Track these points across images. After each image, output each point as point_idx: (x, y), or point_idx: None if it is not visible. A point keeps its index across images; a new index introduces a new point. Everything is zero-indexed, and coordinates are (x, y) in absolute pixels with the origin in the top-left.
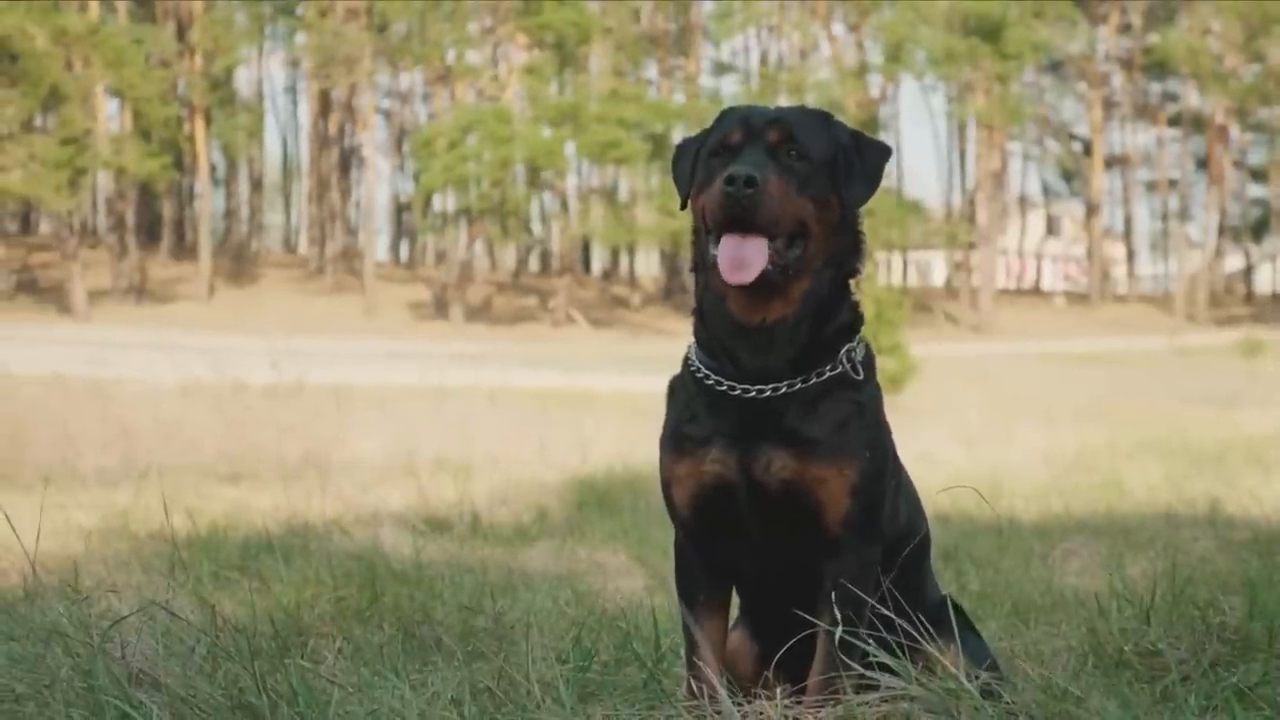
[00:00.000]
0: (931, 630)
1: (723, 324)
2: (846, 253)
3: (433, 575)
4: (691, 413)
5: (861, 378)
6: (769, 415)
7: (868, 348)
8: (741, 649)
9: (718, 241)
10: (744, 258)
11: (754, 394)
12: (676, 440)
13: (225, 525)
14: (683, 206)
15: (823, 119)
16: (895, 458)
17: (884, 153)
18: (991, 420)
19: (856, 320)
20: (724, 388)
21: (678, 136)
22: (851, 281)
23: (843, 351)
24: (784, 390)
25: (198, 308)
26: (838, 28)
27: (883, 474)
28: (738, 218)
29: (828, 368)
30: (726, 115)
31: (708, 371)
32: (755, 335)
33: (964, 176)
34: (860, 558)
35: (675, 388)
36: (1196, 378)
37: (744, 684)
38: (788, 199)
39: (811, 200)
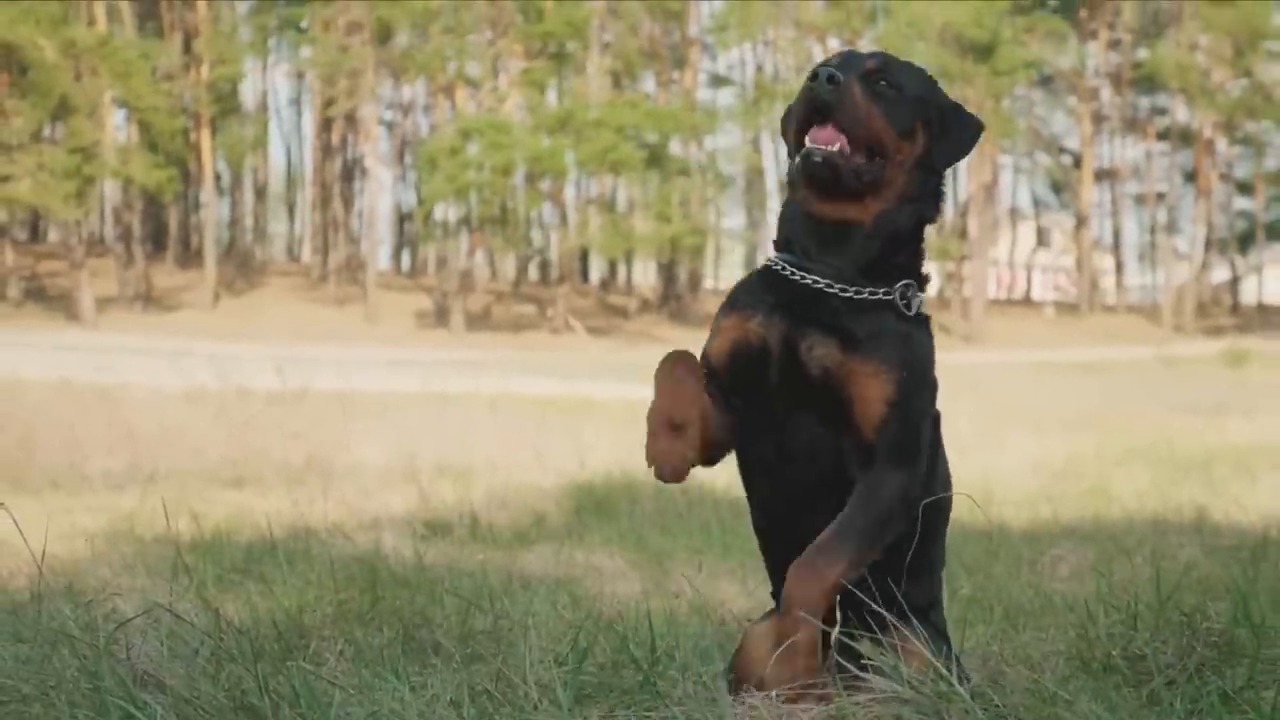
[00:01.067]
0: (914, 616)
1: (799, 223)
2: (927, 196)
3: (433, 579)
4: (750, 288)
5: (912, 314)
6: (822, 305)
7: (923, 307)
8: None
9: (800, 148)
10: (824, 136)
11: (811, 281)
12: (730, 303)
13: (229, 529)
14: (790, 155)
15: (924, 73)
16: (936, 418)
17: (978, 126)
18: (983, 428)
19: (920, 272)
20: (788, 272)
21: (675, 146)
22: (924, 238)
23: (899, 285)
24: (837, 290)
25: (203, 315)
26: (833, 42)
27: (921, 405)
28: (817, 109)
29: (882, 290)
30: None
31: (777, 258)
32: (828, 230)
33: (956, 189)
34: (895, 478)
35: (739, 282)
36: (1183, 387)
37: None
38: (870, 111)
39: (893, 125)
